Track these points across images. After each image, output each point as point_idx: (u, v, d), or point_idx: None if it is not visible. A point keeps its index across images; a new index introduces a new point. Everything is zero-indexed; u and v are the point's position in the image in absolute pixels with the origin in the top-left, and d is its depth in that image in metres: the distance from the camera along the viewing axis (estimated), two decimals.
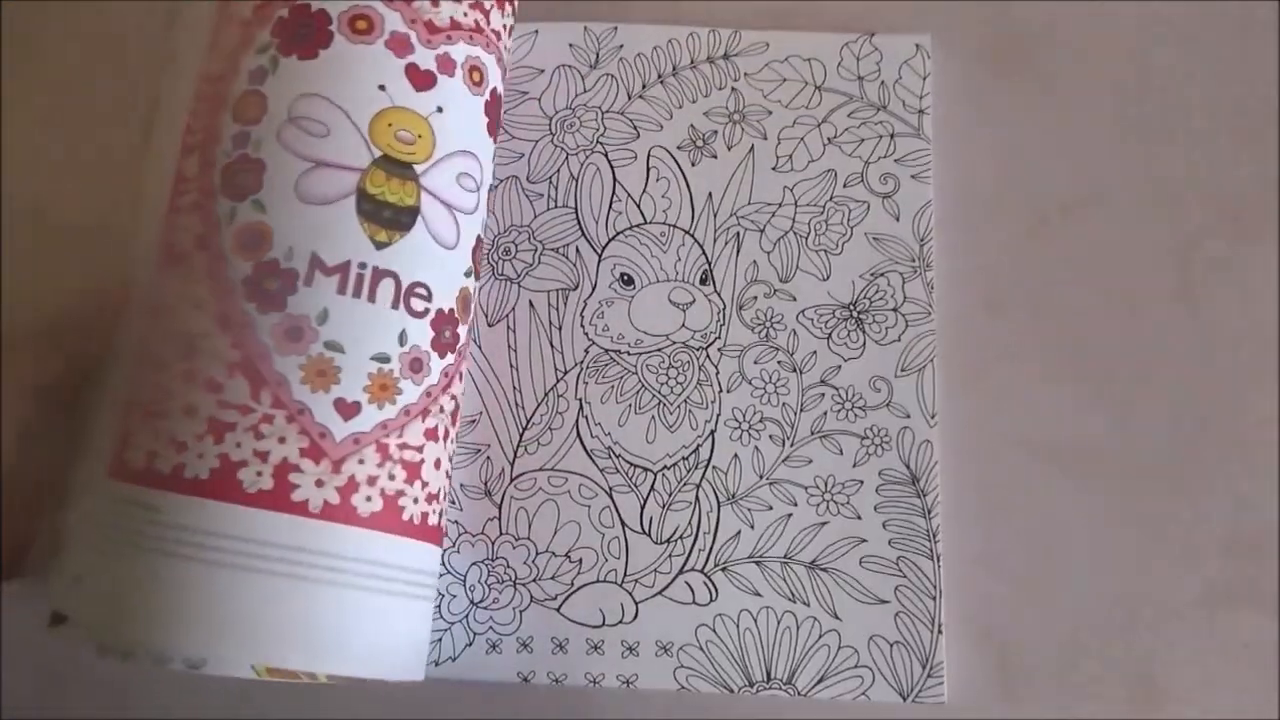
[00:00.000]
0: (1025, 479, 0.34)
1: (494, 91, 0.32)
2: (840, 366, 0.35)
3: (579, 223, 0.36)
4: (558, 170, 0.37)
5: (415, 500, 0.29)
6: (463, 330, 0.31)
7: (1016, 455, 0.35)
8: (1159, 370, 0.35)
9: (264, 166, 0.28)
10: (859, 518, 0.34)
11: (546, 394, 0.35)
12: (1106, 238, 0.36)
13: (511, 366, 0.35)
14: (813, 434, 0.35)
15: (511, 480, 0.34)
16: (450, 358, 0.30)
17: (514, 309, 0.36)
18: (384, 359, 0.28)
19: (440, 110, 0.30)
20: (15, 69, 0.34)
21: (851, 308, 0.36)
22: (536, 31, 0.38)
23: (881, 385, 0.35)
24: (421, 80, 0.29)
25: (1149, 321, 0.36)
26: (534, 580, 0.34)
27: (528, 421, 0.35)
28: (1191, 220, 0.36)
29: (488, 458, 0.35)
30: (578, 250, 0.36)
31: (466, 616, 0.33)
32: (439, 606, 0.33)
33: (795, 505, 0.34)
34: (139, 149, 0.32)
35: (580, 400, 0.35)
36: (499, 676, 0.33)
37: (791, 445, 0.34)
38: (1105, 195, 0.37)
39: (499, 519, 0.34)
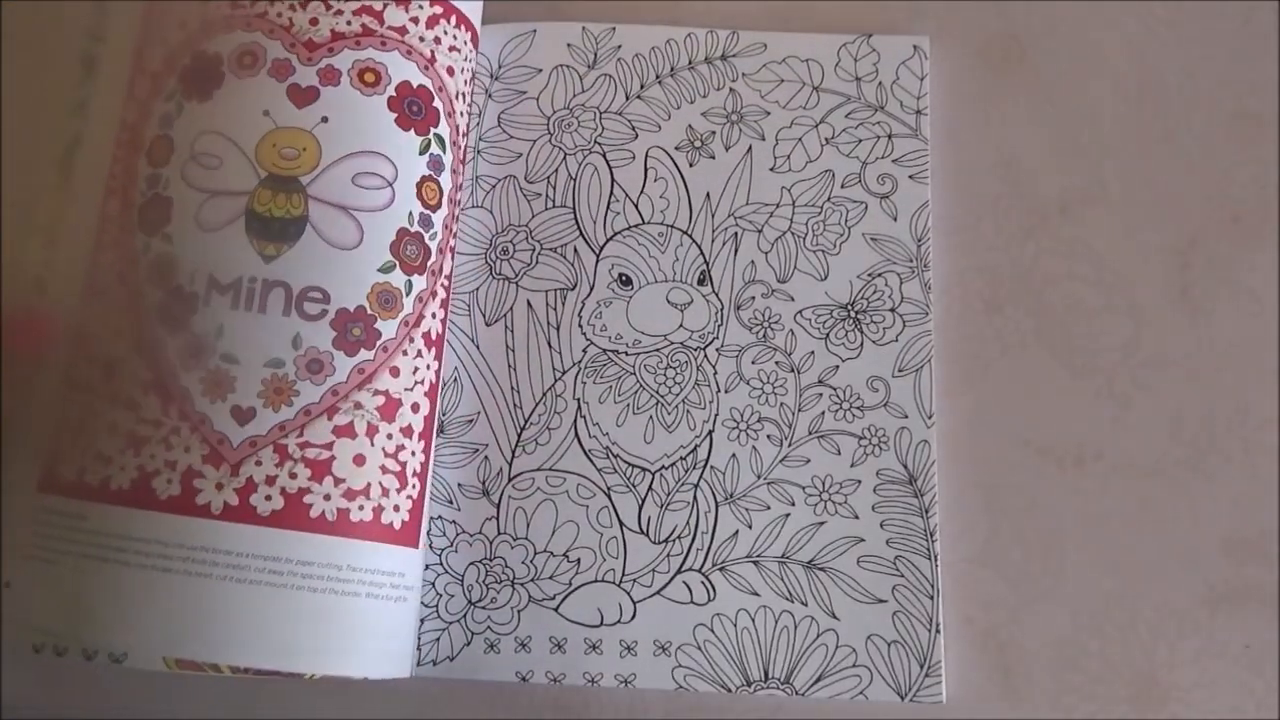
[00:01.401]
0: (1024, 479, 0.34)
1: (404, 85, 0.33)
2: (838, 367, 0.35)
3: (577, 223, 0.36)
4: (556, 170, 0.37)
5: (327, 497, 0.30)
6: (389, 324, 0.31)
7: (1015, 455, 0.35)
8: (1159, 370, 0.35)
9: (171, 203, 0.31)
10: (857, 517, 0.34)
11: (544, 394, 0.35)
12: (1106, 238, 0.36)
13: (509, 366, 0.35)
14: (810, 434, 0.35)
15: (510, 480, 0.34)
16: (367, 354, 0.31)
17: (512, 309, 0.36)
18: (277, 364, 0.30)
19: (325, 120, 0.31)
20: None
21: (849, 308, 0.35)
22: (534, 31, 0.38)
23: (879, 385, 0.35)
24: (302, 97, 0.31)
25: (1149, 321, 0.36)
26: (532, 580, 0.34)
27: (526, 421, 0.35)
28: (1191, 220, 0.36)
29: (485, 457, 0.35)
30: (576, 250, 0.36)
31: (464, 616, 0.33)
32: (437, 606, 0.34)
33: (793, 505, 0.34)
34: (55, 187, 0.34)
35: (578, 400, 0.35)
36: (497, 676, 0.33)
37: (789, 445, 0.34)
38: (1105, 195, 0.37)
39: (497, 518, 0.34)
